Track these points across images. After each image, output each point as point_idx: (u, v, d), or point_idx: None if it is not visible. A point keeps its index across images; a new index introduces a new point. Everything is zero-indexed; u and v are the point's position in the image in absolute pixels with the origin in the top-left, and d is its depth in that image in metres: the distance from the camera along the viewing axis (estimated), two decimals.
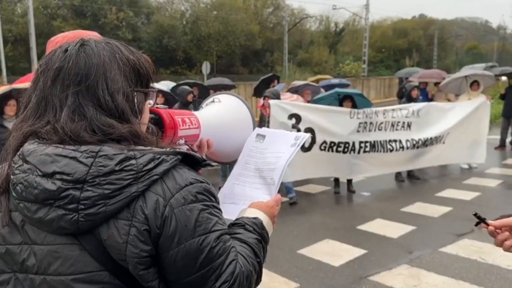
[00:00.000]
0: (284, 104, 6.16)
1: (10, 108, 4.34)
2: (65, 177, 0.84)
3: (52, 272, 0.87)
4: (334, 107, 6.63)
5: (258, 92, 9.44)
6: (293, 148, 1.26)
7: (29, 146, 0.90)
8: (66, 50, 0.94)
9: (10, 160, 0.93)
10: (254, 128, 1.40)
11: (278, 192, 1.24)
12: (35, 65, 17.34)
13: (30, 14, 18.08)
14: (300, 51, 38.80)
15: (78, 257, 0.86)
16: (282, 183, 1.25)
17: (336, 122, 6.34)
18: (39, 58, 17.27)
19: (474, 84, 8.43)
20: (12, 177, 0.90)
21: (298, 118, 6.06)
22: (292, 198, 6.34)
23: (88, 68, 0.91)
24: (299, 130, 5.76)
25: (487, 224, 1.35)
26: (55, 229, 0.86)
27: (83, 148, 0.87)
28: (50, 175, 0.85)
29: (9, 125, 4.08)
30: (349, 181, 6.95)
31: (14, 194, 0.89)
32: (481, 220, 1.37)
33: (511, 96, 9.82)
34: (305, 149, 6.08)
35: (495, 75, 10.84)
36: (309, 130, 6.05)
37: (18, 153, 0.92)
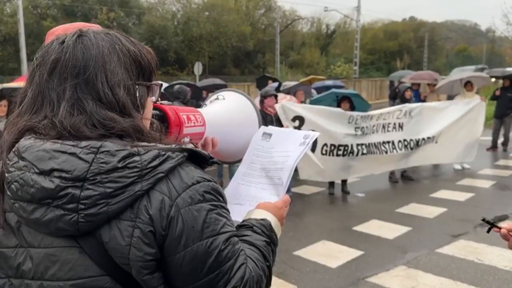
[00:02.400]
0: (289, 105, 6.15)
1: (1, 109, 4.24)
2: (64, 174, 0.78)
3: (49, 277, 0.81)
4: (334, 108, 6.65)
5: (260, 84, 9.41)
6: (302, 147, 1.21)
7: (25, 142, 0.84)
8: (63, 41, 0.89)
9: (5, 157, 0.86)
10: (259, 126, 1.35)
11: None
12: (24, 65, 17.11)
13: (20, 14, 17.82)
14: (292, 52, 38.80)
15: (78, 261, 0.80)
16: None
17: (336, 125, 6.36)
18: (28, 58, 17.07)
19: (468, 84, 8.47)
20: (6, 175, 0.83)
21: (301, 120, 6.05)
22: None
23: (86, 59, 0.86)
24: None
25: (499, 228, 1.34)
26: (53, 231, 0.80)
27: (83, 143, 0.81)
28: (47, 173, 0.79)
29: (0, 125, 3.99)
30: (344, 182, 6.94)
31: (9, 193, 0.83)
32: (491, 225, 1.35)
33: (504, 97, 9.89)
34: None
35: (491, 76, 10.94)
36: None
37: (13, 150, 0.85)
